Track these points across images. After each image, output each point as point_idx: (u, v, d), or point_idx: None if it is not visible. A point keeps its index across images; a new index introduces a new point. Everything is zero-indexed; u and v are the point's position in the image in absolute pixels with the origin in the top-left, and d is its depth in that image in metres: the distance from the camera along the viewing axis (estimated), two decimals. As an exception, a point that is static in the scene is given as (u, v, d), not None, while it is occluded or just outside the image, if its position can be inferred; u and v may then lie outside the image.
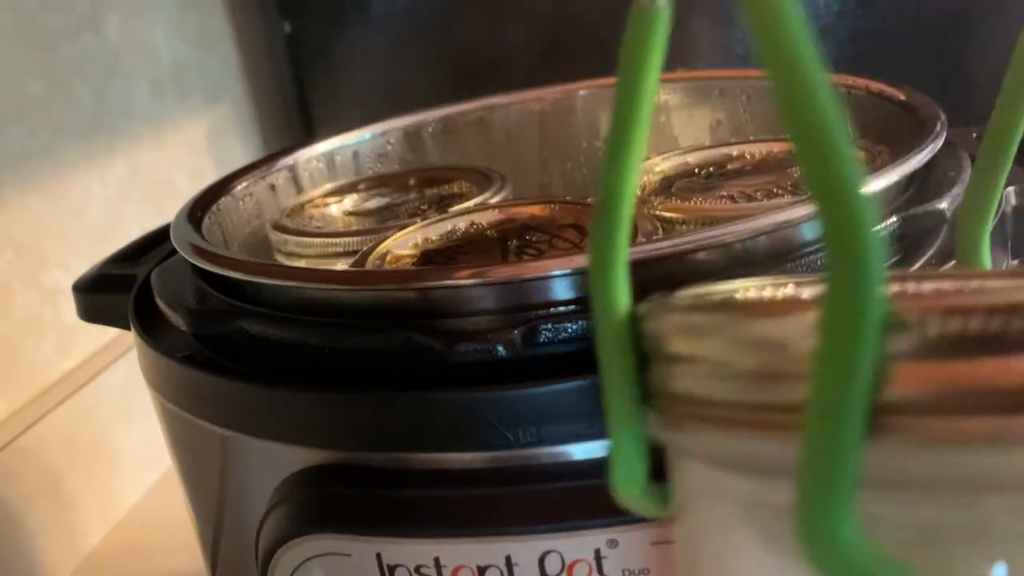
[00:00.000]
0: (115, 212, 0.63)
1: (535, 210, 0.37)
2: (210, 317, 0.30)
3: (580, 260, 0.26)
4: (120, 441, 0.58)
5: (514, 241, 0.35)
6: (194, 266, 0.33)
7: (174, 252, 0.37)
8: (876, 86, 0.40)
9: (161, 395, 0.32)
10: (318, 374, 0.28)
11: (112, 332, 0.61)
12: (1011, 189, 0.32)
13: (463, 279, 0.27)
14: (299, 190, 0.47)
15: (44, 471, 0.52)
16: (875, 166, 0.32)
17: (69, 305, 0.57)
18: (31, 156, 0.56)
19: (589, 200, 0.37)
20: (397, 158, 0.50)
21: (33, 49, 0.57)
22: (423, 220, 0.38)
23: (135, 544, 0.55)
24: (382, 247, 0.36)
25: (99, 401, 0.57)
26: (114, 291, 0.38)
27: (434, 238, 0.37)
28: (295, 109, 0.85)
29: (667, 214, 0.35)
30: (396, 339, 0.26)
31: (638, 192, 0.38)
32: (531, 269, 0.27)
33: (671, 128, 0.50)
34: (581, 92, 0.51)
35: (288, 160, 0.47)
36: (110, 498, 0.57)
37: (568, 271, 0.26)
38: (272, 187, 0.46)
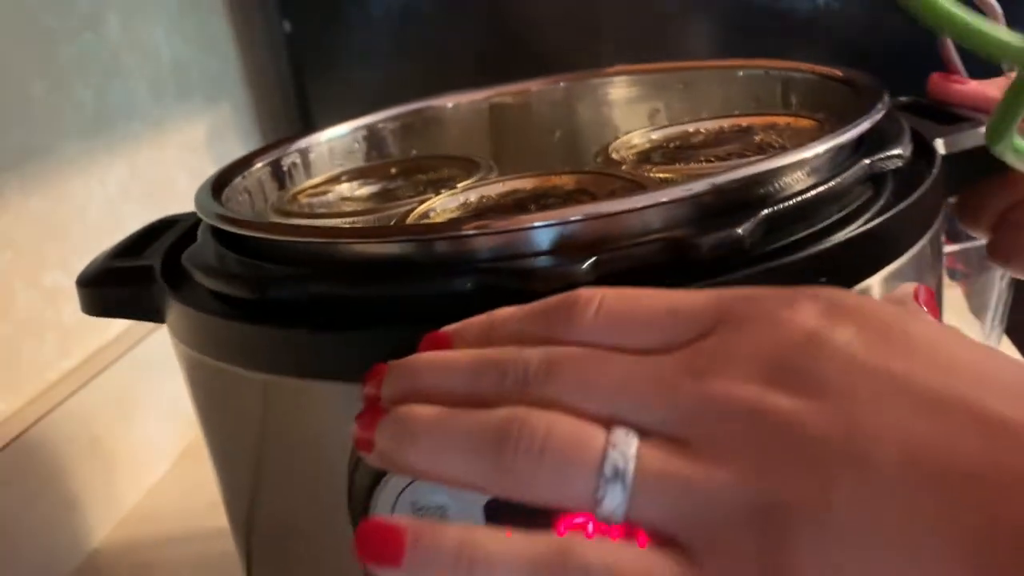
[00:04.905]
0: (115, 212, 0.63)
1: (568, 180, 0.40)
2: (278, 281, 0.31)
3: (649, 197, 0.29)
4: (120, 441, 0.58)
5: (533, 206, 0.37)
6: (217, 241, 0.35)
7: (177, 242, 0.39)
8: (831, 71, 0.44)
9: (204, 354, 0.33)
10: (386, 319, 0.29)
11: (112, 332, 0.61)
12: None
13: (545, 220, 0.29)
14: (280, 186, 0.47)
15: (44, 471, 0.52)
16: (830, 129, 0.35)
17: (69, 305, 0.56)
18: (32, 156, 0.56)
19: (586, 169, 0.40)
20: (364, 154, 0.50)
21: (33, 49, 0.57)
22: (436, 195, 0.40)
23: (135, 544, 0.55)
24: (421, 209, 0.38)
25: (99, 401, 0.57)
26: (119, 284, 0.39)
27: (473, 200, 0.39)
28: (295, 109, 0.85)
29: (663, 175, 0.38)
30: (470, 282, 0.28)
31: (626, 161, 0.41)
32: (606, 207, 0.29)
33: (612, 119, 0.51)
34: (561, 84, 0.52)
35: (270, 156, 0.47)
36: (110, 498, 0.57)
37: (647, 204, 0.29)
38: (260, 181, 0.46)
